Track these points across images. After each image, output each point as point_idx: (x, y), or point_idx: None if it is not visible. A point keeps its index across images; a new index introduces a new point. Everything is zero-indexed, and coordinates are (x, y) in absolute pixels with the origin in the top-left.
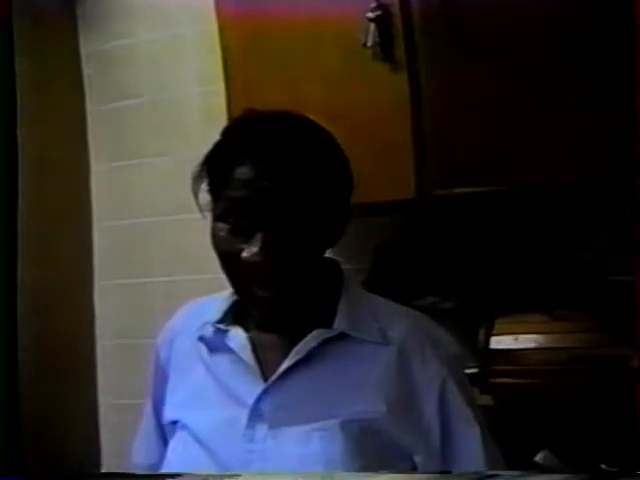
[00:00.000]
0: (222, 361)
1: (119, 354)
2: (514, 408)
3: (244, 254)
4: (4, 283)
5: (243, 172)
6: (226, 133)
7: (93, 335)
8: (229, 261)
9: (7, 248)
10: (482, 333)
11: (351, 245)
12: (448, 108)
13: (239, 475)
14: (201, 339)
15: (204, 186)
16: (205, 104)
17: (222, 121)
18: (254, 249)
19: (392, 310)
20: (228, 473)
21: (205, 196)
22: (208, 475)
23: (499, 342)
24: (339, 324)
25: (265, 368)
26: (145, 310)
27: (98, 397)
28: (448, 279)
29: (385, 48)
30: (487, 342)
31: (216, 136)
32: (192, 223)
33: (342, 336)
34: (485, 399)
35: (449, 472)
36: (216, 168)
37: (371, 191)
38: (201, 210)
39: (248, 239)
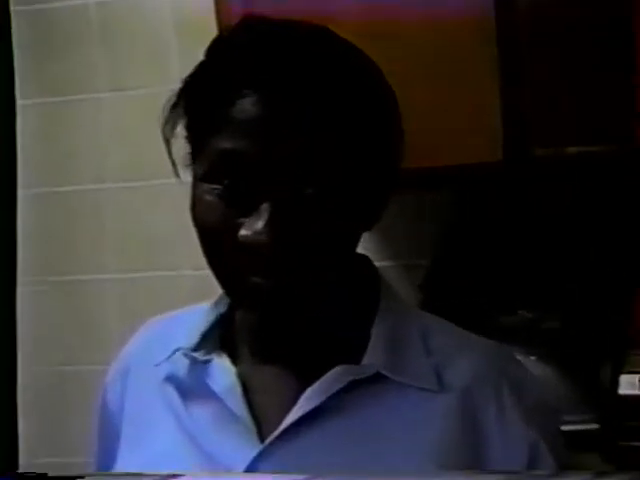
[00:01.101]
0: (200, 411)
1: (50, 387)
2: None
3: (242, 232)
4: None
5: (242, 109)
6: (215, 48)
7: (12, 358)
8: (217, 242)
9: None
10: (606, 369)
11: (398, 231)
12: (552, 27)
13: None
14: (170, 379)
15: (180, 129)
16: (182, 11)
17: (209, 38)
18: (258, 225)
19: (453, 338)
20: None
21: (182, 145)
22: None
23: (633, 384)
24: (372, 357)
25: (262, 421)
26: (91, 322)
27: (18, 454)
28: (551, 283)
29: None
30: (614, 383)
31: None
32: (162, 192)
33: (377, 377)
34: (610, 470)
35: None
36: (200, 102)
37: (433, 151)
38: (175, 166)
39: (248, 210)
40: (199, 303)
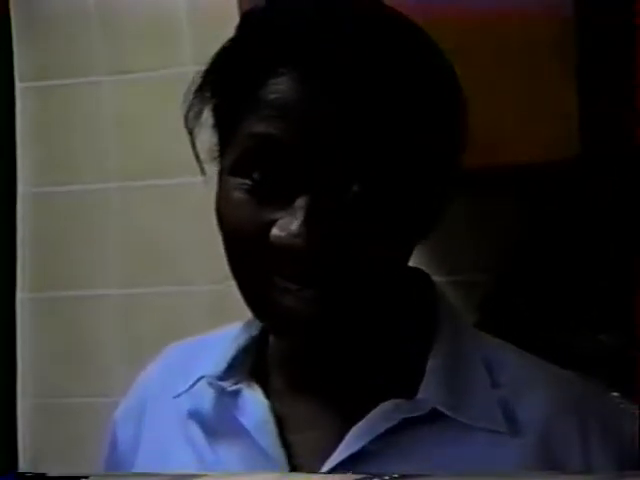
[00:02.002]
0: (226, 448)
1: (41, 423)
2: None
3: (274, 232)
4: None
5: (278, 89)
6: (249, 20)
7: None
8: (245, 245)
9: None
10: None
11: (454, 241)
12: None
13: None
14: (193, 415)
15: (207, 116)
16: None
17: (226, 13)
18: (293, 225)
19: (525, 368)
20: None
21: (207, 137)
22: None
23: None
24: (429, 391)
25: (297, 463)
26: (90, 347)
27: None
28: (635, 303)
29: None
30: None
31: (215, 39)
32: (174, 192)
33: (434, 415)
34: None
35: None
36: (230, 82)
37: (497, 146)
38: (199, 159)
39: (283, 206)
40: (216, 323)
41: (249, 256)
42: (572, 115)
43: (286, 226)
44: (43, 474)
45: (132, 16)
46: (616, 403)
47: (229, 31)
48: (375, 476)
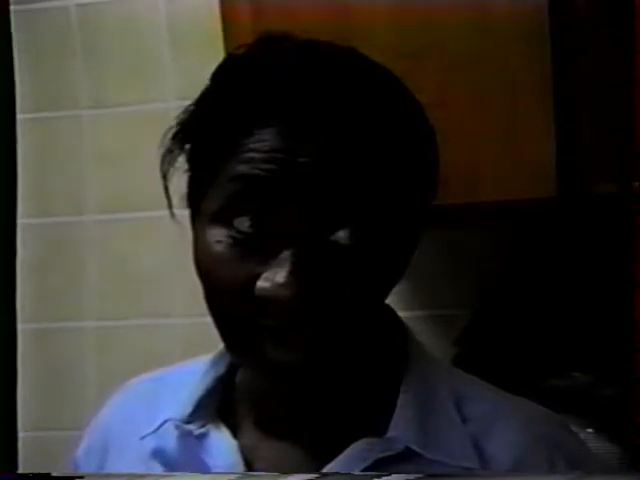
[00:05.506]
0: None
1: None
2: None
3: (260, 284)
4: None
5: (260, 139)
6: (228, 70)
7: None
8: (229, 298)
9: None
10: None
11: (433, 276)
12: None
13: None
14: (156, 454)
15: (181, 162)
16: (178, 16)
17: (213, 52)
18: (278, 277)
19: (491, 401)
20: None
21: (180, 181)
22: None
23: None
24: (399, 429)
25: None
26: (64, 380)
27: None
28: (613, 340)
29: None
30: None
31: (199, 73)
32: (150, 225)
33: (406, 453)
34: None
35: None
36: (210, 133)
37: (474, 185)
38: (171, 205)
39: (267, 259)
40: (193, 357)
41: (233, 308)
42: (549, 154)
43: (272, 277)
44: (44, 474)
45: (115, 50)
46: (578, 439)
47: (213, 67)
48: (339, 474)
